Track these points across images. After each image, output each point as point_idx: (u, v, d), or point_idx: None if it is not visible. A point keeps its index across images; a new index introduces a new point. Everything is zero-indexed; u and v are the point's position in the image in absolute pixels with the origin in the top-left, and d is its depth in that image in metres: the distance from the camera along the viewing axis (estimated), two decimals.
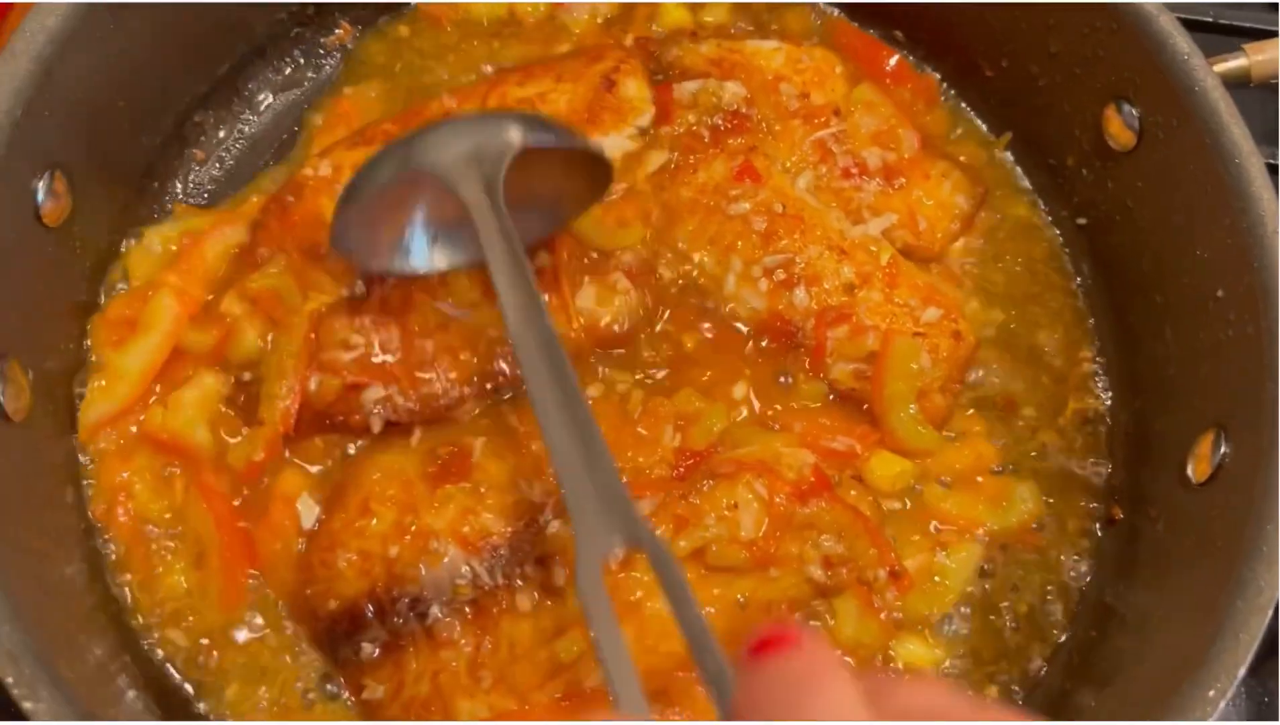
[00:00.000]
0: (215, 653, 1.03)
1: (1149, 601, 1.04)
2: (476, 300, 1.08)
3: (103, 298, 1.15)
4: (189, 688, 1.03)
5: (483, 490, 1.02)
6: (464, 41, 1.34)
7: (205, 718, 1.02)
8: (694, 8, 1.35)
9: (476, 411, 1.08)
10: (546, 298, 1.08)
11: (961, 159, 1.29)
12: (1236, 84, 1.12)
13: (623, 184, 1.14)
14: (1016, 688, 1.07)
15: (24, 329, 1.03)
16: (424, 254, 1.08)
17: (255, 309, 1.09)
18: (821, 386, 1.13)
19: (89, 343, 1.12)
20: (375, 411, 1.05)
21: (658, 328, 1.13)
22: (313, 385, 1.05)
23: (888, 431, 1.11)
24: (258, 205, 1.17)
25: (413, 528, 1.00)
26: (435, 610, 0.98)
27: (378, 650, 0.98)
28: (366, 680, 0.99)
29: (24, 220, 1.02)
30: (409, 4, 1.36)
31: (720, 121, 1.19)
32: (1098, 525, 1.15)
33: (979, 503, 1.12)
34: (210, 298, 1.12)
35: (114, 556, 1.06)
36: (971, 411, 1.17)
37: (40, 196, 1.03)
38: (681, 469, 1.05)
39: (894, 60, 1.34)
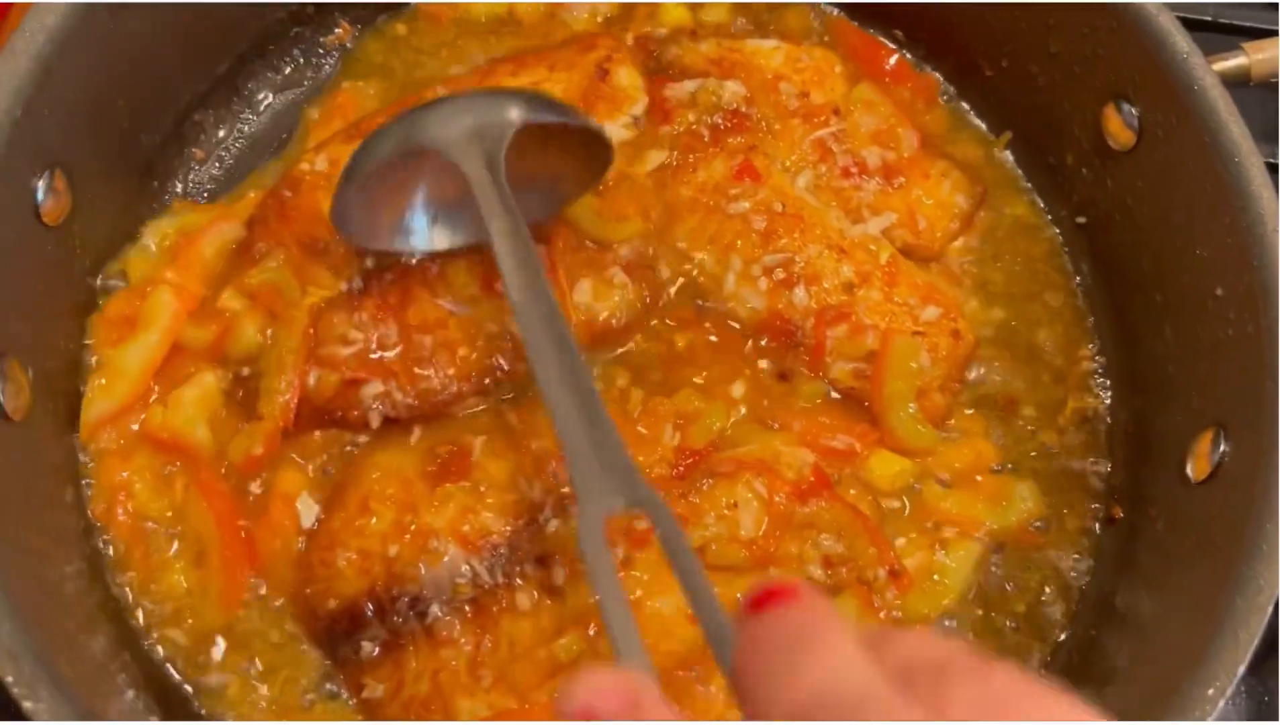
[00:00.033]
0: (215, 652, 1.03)
1: (1148, 600, 1.04)
2: (475, 295, 1.08)
3: (102, 296, 1.15)
4: (188, 687, 1.03)
5: (482, 489, 1.02)
6: (461, 38, 1.34)
7: (205, 717, 1.02)
8: (694, 7, 1.35)
9: (476, 408, 1.08)
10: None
11: (961, 158, 1.29)
12: (1236, 83, 1.12)
13: (620, 175, 1.14)
14: None
15: (23, 328, 1.03)
16: (424, 234, 1.08)
17: (254, 304, 1.10)
18: (821, 385, 1.13)
19: (88, 341, 1.12)
20: (374, 407, 1.05)
21: (653, 323, 1.13)
22: (312, 380, 1.05)
23: (887, 430, 1.11)
24: (255, 201, 1.17)
25: (412, 527, 1.00)
26: (435, 609, 0.98)
27: (377, 649, 0.98)
28: (366, 679, 0.99)
29: (24, 219, 1.02)
30: (408, 3, 1.36)
31: (720, 120, 1.19)
32: (1097, 524, 1.15)
33: (978, 502, 1.12)
34: (209, 294, 1.12)
35: (114, 556, 1.06)
36: (971, 410, 1.17)
37: (40, 195, 1.03)
38: (681, 468, 1.05)
39: (893, 59, 1.34)
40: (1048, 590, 1.11)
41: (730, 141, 1.18)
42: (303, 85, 1.33)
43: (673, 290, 1.14)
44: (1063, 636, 1.10)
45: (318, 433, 1.07)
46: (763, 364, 1.13)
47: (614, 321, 1.10)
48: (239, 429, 1.07)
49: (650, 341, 1.13)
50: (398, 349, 1.07)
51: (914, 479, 1.11)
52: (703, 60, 1.24)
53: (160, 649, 1.03)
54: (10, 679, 0.82)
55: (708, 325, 1.14)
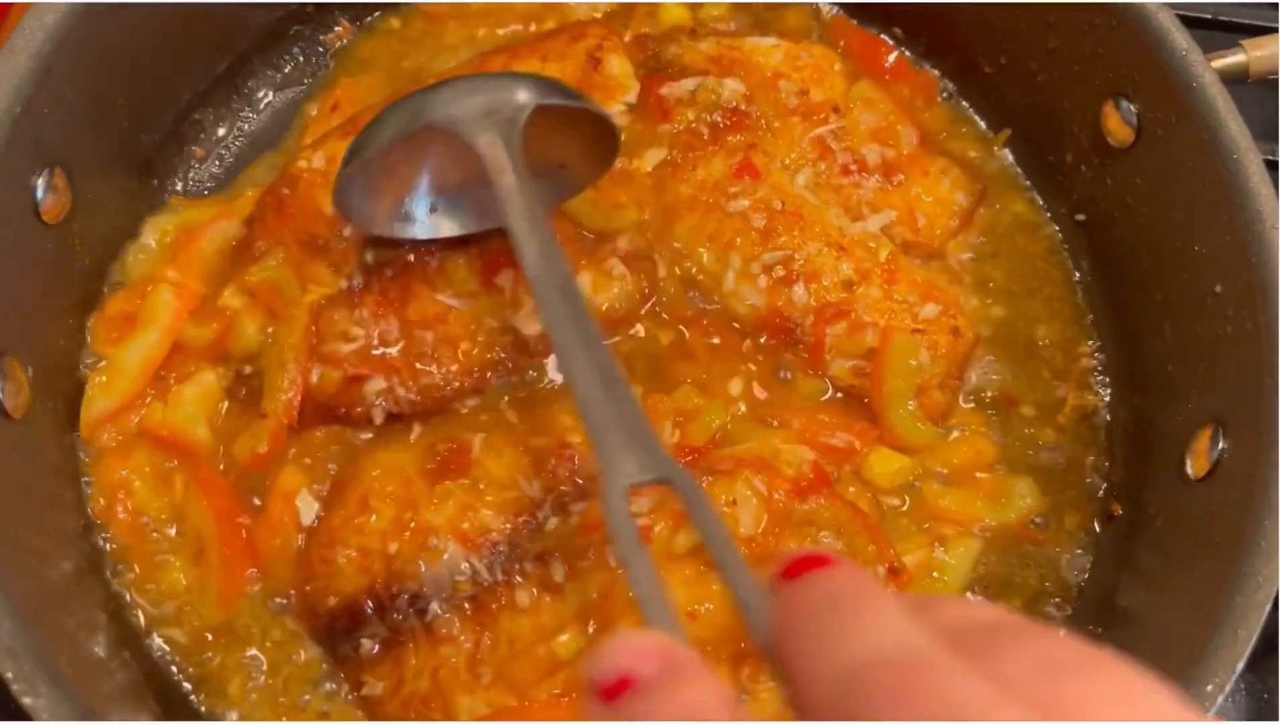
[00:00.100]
0: (215, 650, 1.03)
1: (1147, 597, 1.04)
2: (475, 290, 1.08)
3: (103, 294, 1.15)
4: (188, 685, 1.03)
5: (482, 487, 1.02)
6: (457, 32, 1.34)
7: (204, 715, 1.02)
8: (693, 5, 1.35)
9: (477, 403, 1.08)
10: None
11: (960, 156, 1.29)
12: (1235, 80, 1.12)
13: (617, 170, 1.14)
14: None
15: (23, 326, 1.03)
16: (424, 221, 1.08)
17: (254, 302, 1.10)
18: (820, 383, 1.13)
19: (89, 339, 1.12)
20: (377, 403, 1.05)
21: (653, 320, 1.13)
22: (314, 377, 1.05)
23: (887, 428, 1.11)
24: (253, 198, 1.17)
25: (412, 524, 1.00)
26: (435, 607, 0.98)
27: (377, 647, 0.99)
28: (366, 677, 0.99)
29: (23, 217, 1.02)
30: (409, 2, 1.36)
31: (719, 119, 1.19)
32: (1096, 521, 1.15)
33: (978, 499, 1.12)
34: (209, 292, 1.12)
35: (113, 553, 1.06)
36: (970, 408, 1.18)
37: (40, 193, 1.03)
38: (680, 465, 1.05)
39: (893, 57, 1.34)
40: (1047, 587, 1.11)
41: (729, 139, 1.18)
42: (303, 84, 1.33)
43: (672, 288, 1.14)
44: (1062, 633, 1.10)
45: (319, 430, 1.07)
46: (762, 361, 1.13)
47: (613, 312, 1.10)
48: (243, 427, 1.07)
49: (650, 339, 1.13)
50: (399, 345, 1.07)
51: (913, 476, 1.11)
52: (702, 59, 1.24)
53: (160, 647, 1.04)
54: (10, 675, 0.82)
55: (707, 323, 1.14)
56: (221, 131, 1.30)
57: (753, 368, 1.13)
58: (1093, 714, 0.47)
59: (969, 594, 1.10)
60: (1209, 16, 1.46)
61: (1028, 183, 1.31)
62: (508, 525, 1.00)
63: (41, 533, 0.99)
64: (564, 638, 0.97)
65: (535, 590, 0.98)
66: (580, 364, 0.85)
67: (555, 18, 1.34)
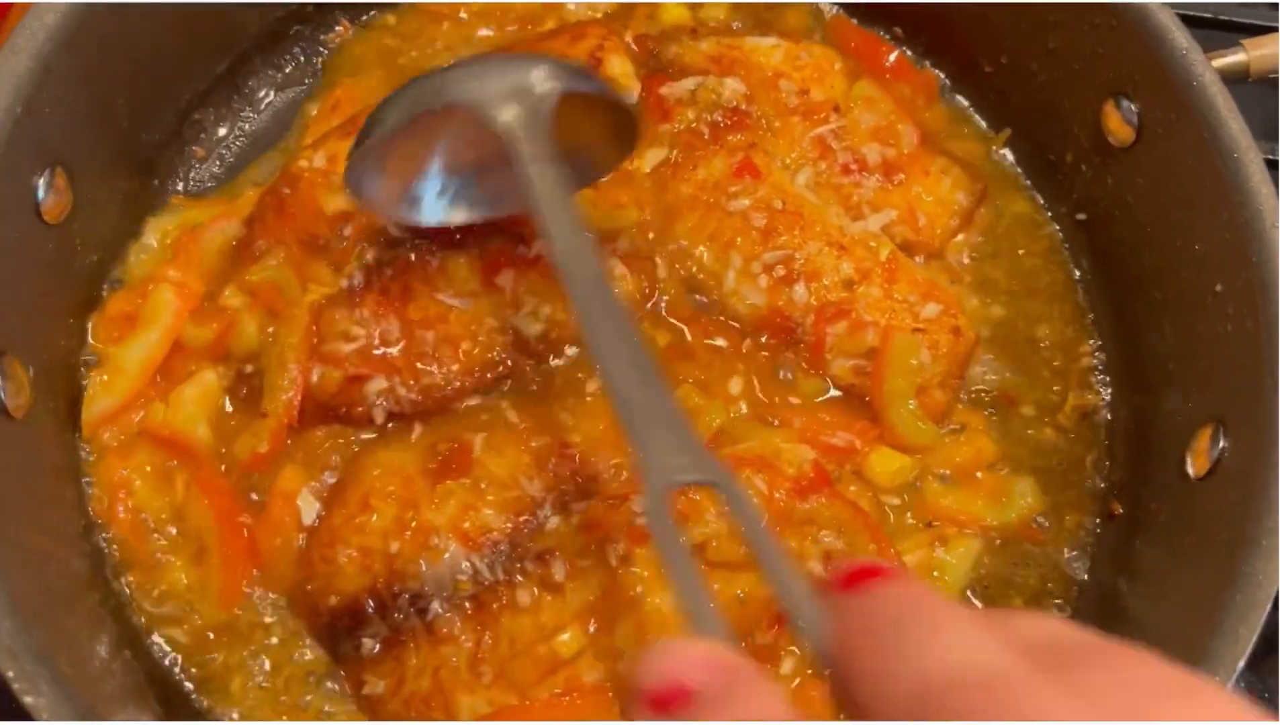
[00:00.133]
0: (216, 649, 1.04)
1: (1148, 596, 1.04)
2: (476, 290, 1.08)
3: (103, 294, 1.15)
4: (189, 685, 1.03)
5: (483, 486, 1.02)
6: (454, 32, 1.34)
7: (206, 714, 1.02)
8: (693, 5, 1.35)
9: (478, 402, 1.08)
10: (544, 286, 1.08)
11: (961, 155, 1.29)
12: (1235, 79, 1.12)
13: (617, 171, 1.14)
14: None
15: (24, 326, 1.03)
16: (436, 206, 1.05)
17: (255, 302, 1.10)
18: (821, 382, 1.13)
19: (90, 339, 1.12)
20: (378, 403, 1.05)
21: (653, 320, 1.13)
22: (315, 377, 1.06)
23: (887, 427, 1.11)
24: (254, 198, 1.17)
25: (413, 524, 1.00)
26: (436, 606, 0.98)
27: (378, 646, 0.99)
28: (367, 676, 0.99)
29: (25, 217, 1.02)
30: (410, 1, 1.36)
31: (720, 118, 1.19)
32: (1097, 520, 1.15)
33: (978, 498, 1.12)
34: (209, 291, 1.12)
35: (114, 553, 1.06)
36: (971, 407, 1.18)
37: (41, 193, 1.03)
38: None
39: (893, 56, 1.34)
40: (1047, 587, 1.12)
41: (730, 139, 1.18)
42: (303, 84, 1.33)
43: (673, 288, 1.14)
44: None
45: (320, 429, 1.07)
46: (763, 361, 1.13)
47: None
48: (243, 426, 1.07)
49: (650, 339, 1.13)
50: (400, 344, 1.07)
51: (914, 476, 1.12)
52: (702, 58, 1.24)
53: (161, 646, 1.04)
54: (11, 674, 0.82)
55: (707, 322, 1.14)
56: (222, 131, 1.30)
57: (753, 367, 1.13)
58: None
59: (969, 593, 1.10)
60: (1209, 16, 1.46)
61: (1028, 182, 1.31)
62: (509, 524, 1.00)
63: (42, 532, 0.99)
64: (565, 637, 0.97)
65: (536, 589, 0.98)
66: (614, 355, 0.81)
67: (554, 18, 1.34)
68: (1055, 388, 1.20)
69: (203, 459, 1.07)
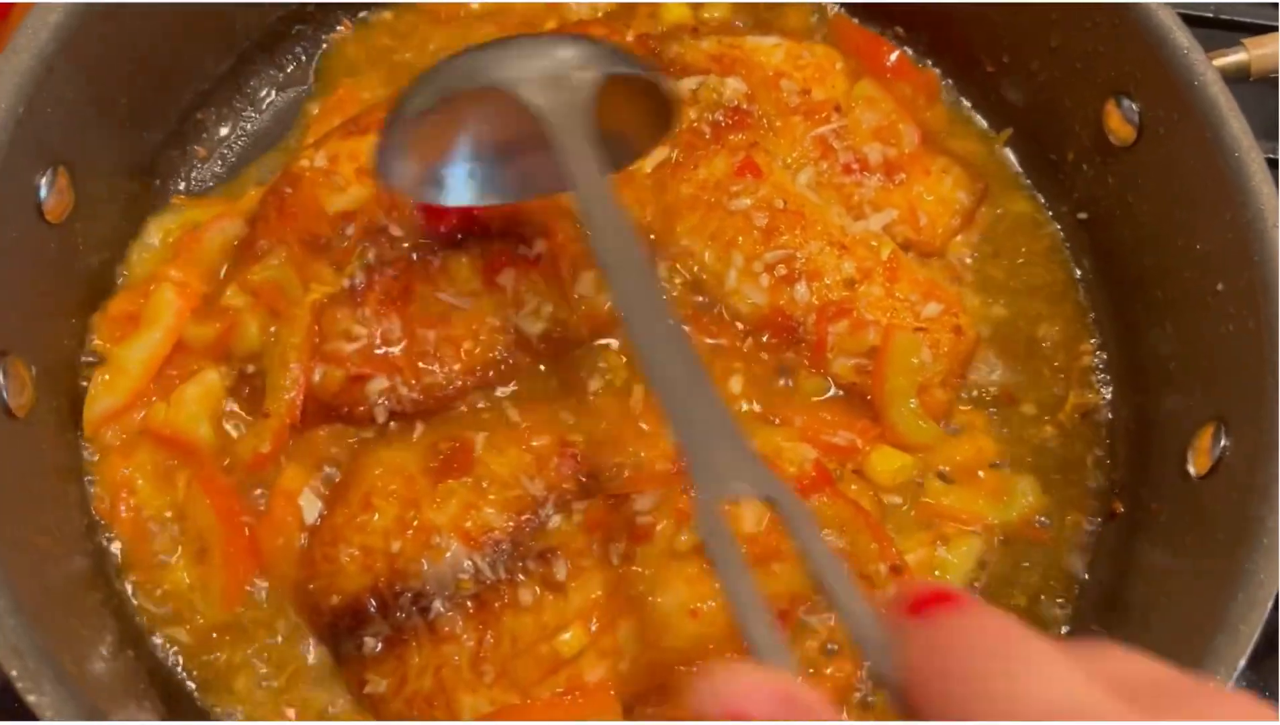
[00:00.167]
0: (218, 649, 1.04)
1: (1150, 595, 1.04)
2: (477, 289, 1.08)
3: (105, 293, 1.15)
4: (192, 684, 1.03)
5: (485, 485, 1.02)
6: (452, 32, 1.34)
7: (209, 713, 1.02)
8: (694, 5, 1.35)
9: (480, 402, 1.08)
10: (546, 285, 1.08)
11: (962, 154, 1.29)
12: (1236, 78, 1.12)
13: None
14: None
15: (26, 325, 1.03)
16: (464, 188, 1.01)
17: (257, 301, 1.10)
18: (822, 381, 1.13)
19: (92, 338, 1.12)
20: (380, 402, 1.06)
21: None
22: (317, 377, 1.06)
23: (888, 426, 1.11)
24: (255, 197, 1.17)
25: (415, 523, 1.01)
26: (438, 605, 0.98)
27: (380, 645, 0.99)
28: (369, 675, 0.99)
29: (27, 217, 1.02)
30: (412, 2, 1.36)
31: (721, 118, 1.19)
32: (1098, 519, 1.15)
33: (980, 497, 1.12)
34: (211, 291, 1.13)
35: (117, 553, 1.06)
36: (972, 406, 1.18)
37: (43, 193, 1.03)
38: (683, 464, 1.05)
39: (894, 56, 1.34)
40: (1049, 585, 1.12)
41: (731, 139, 1.18)
42: (305, 83, 1.33)
43: (674, 287, 1.14)
44: (1064, 632, 1.10)
45: (322, 429, 1.07)
46: (764, 360, 1.13)
47: (616, 312, 1.10)
48: (246, 426, 1.08)
49: None
50: (402, 344, 1.07)
51: (915, 475, 1.12)
52: (704, 57, 1.24)
53: (164, 646, 1.04)
54: (15, 673, 0.82)
55: (709, 322, 1.14)
56: (224, 131, 1.30)
57: (755, 366, 1.13)
58: None
59: (970, 583, 1.10)
60: (1210, 15, 1.46)
61: (1029, 181, 1.31)
62: (510, 523, 1.01)
63: (45, 532, 0.99)
64: (567, 636, 0.97)
65: (538, 588, 0.99)
66: (662, 357, 0.77)
67: (556, 17, 1.34)
68: (1056, 387, 1.20)
69: (204, 458, 1.07)
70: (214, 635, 1.04)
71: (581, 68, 0.91)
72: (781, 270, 1.13)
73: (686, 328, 1.12)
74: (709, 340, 1.13)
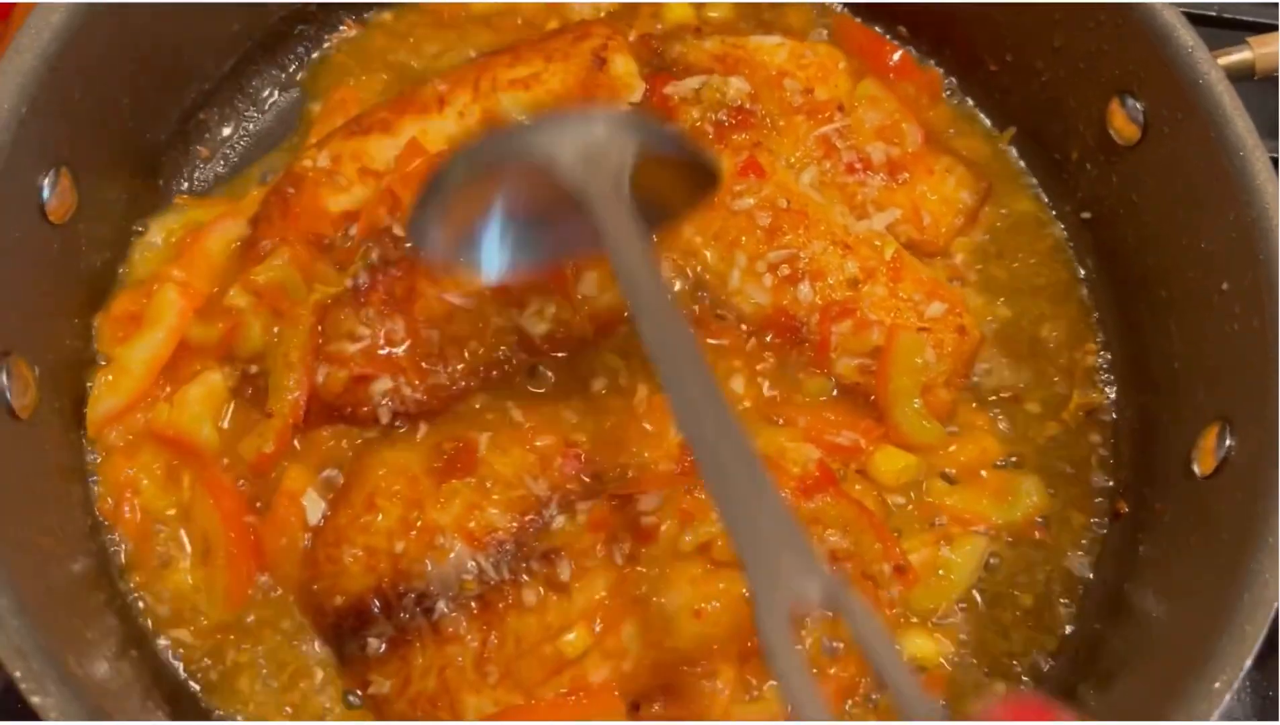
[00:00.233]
0: (222, 649, 1.04)
1: (1154, 595, 1.04)
2: (481, 290, 1.08)
3: (108, 294, 1.15)
4: (195, 684, 1.03)
5: (488, 485, 1.02)
6: (450, 32, 1.34)
7: (213, 713, 1.02)
8: (697, 5, 1.35)
9: (483, 402, 1.08)
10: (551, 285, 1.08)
11: (965, 154, 1.29)
12: (1240, 77, 1.12)
13: None
14: (1026, 678, 1.08)
15: (30, 326, 1.03)
16: (497, 253, 0.98)
17: (260, 301, 1.10)
18: (826, 381, 1.13)
19: (95, 339, 1.12)
20: (383, 403, 1.06)
21: None
22: (320, 377, 1.06)
23: (892, 426, 1.11)
24: (258, 198, 1.17)
25: (419, 523, 1.00)
26: (441, 606, 0.98)
27: (384, 646, 0.99)
28: (373, 676, 0.99)
29: (30, 217, 1.03)
30: (413, 2, 1.36)
31: (724, 117, 1.18)
32: (1103, 519, 1.15)
33: (984, 497, 1.12)
34: (215, 291, 1.12)
35: (121, 553, 1.06)
36: (976, 406, 1.18)
37: (46, 194, 1.03)
38: (686, 463, 1.05)
39: (898, 55, 1.34)
40: (1053, 585, 1.11)
41: (735, 138, 1.18)
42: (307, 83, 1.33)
43: (677, 287, 1.14)
44: (1068, 630, 1.10)
45: (325, 429, 1.07)
46: (767, 360, 1.13)
47: (617, 312, 1.10)
48: (249, 426, 1.07)
49: None
50: (405, 344, 1.07)
51: (919, 475, 1.12)
52: (707, 57, 1.24)
53: (167, 646, 1.04)
54: (19, 674, 0.82)
55: (712, 321, 1.14)
56: (226, 131, 1.30)
57: (758, 366, 1.13)
58: None
59: (974, 592, 1.09)
60: (1214, 14, 1.46)
61: (1033, 180, 1.31)
62: (514, 524, 1.00)
63: (49, 533, 0.99)
64: (570, 636, 0.97)
65: (542, 589, 0.98)
66: (719, 455, 0.74)
67: (558, 17, 1.34)
68: (1060, 386, 1.20)
69: (208, 459, 1.07)
70: (218, 636, 1.04)
71: (622, 147, 0.90)
72: (785, 270, 1.12)
73: (692, 330, 1.13)
74: (712, 340, 1.13)
